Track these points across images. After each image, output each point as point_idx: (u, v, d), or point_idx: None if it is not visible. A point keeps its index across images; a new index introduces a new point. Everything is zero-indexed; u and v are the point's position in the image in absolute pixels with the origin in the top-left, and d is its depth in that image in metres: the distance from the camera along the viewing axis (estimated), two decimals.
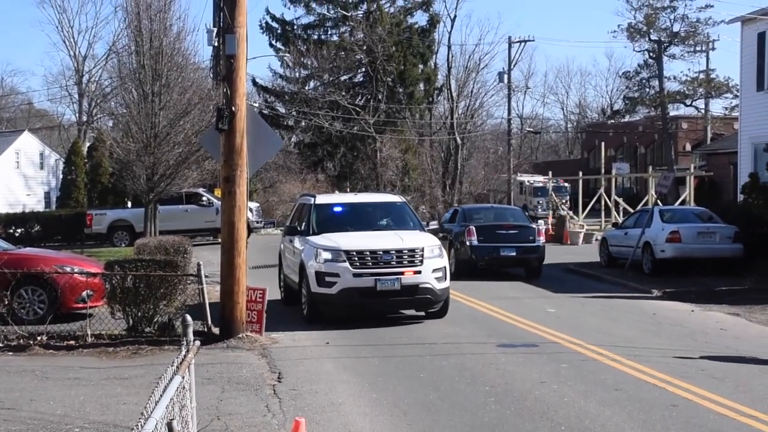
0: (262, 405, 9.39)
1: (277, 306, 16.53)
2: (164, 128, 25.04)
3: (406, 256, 14.32)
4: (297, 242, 15.98)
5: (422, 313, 15.19)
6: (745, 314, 15.93)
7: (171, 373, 5.34)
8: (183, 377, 5.51)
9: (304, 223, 16.26)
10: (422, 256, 14.36)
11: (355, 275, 14.07)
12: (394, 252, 14.29)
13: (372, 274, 14.09)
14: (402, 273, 14.20)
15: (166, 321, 13.36)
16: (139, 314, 13.39)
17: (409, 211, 16.78)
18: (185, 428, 5.68)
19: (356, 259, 14.17)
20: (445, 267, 14.75)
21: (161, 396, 4.79)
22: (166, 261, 14.09)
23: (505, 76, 50.00)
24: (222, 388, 10.09)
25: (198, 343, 6.38)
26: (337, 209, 16.60)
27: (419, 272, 14.25)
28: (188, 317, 6.50)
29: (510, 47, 51.01)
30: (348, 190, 48.59)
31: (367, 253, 14.23)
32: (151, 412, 4.42)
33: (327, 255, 14.28)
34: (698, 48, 54.05)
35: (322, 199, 17.04)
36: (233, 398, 9.68)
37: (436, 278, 14.43)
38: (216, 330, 13.46)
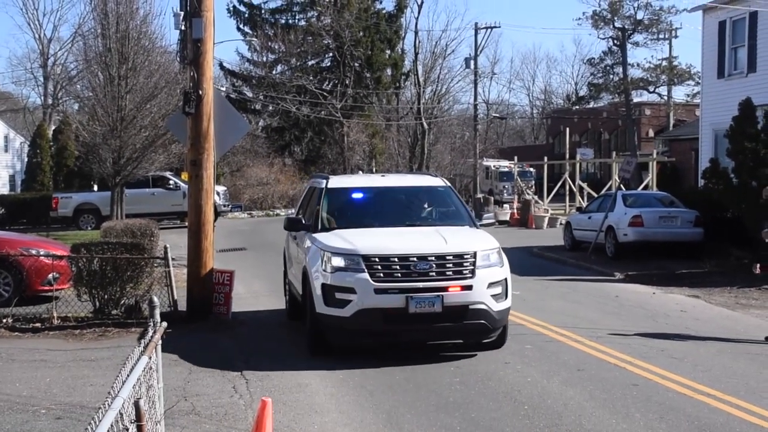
0: (229, 386, 9.47)
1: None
2: (131, 111, 24.87)
3: (450, 264, 10.40)
4: (301, 241, 12.16)
5: None
6: (705, 296, 16.25)
7: (138, 353, 5.40)
8: (150, 357, 5.57)
9: (311, 215, 12.41)
10: (473, 263, 10.47)
11: (378, 291, 10.18)
12: (433, 258, 10.37)
13: (402, 290, 10.18)
14: (445, 288, 10.28)
15: (132, 303, 13.38)
16: (106, 297, 13.38)
17: (455, 199, 12.59)
18: (152, 408, 5.74)
19: (379, 267, 10.27)
20: (506, 279, 10.83)
21: (128, 375, 4.85)
22: (132, 244, 14.07)
23: (472, 62, 50.19)
24: (189, 370, 10.15)
25: (165, 324, 6.44)
26: (357, 196, 12.45)
27: (469, 287, 10.36)
28: (155, 298, 6.58)
29: (476, 33, 51.16)
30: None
31: (395, 259, 10.31)
32: (119, 391, 4.48)
33: (338, 261, 10.46)
34: (661, 36, 54.66)
35: (336, 181, 12.72)
36: (200, 379, 9.74)
37: (492, 296, 10.52)
38: (183, 312, 13.50)
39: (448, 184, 13.00)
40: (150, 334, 5.99)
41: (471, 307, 10.42)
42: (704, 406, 8.56)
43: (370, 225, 11.57)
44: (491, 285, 10.57)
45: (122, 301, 13.47)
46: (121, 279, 13.35)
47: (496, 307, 10.58)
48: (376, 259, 10.34)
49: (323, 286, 10.52)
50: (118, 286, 13.37)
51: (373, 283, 10.23)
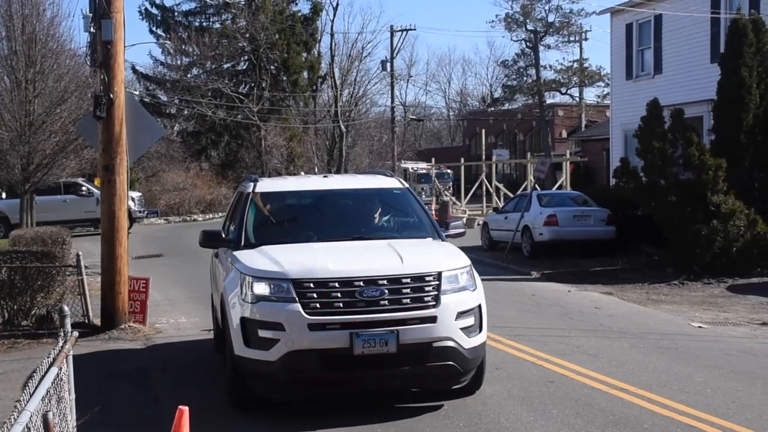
0: (145, 396, 9.31)
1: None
2: (40, 116, 24.19)
3: (408, 290, 8.18)
4: (223, 260, 10.00)
5: None
6: (618, 293, 16.64)
7: (47, 365, 5.26)
8: (60, 368, 5.44)
9: (234, 227, 9.95)
10: (438, 287, 8.25)
11: (313, 327, 7.96)
12: (385, 281, 8.13)
13: (344, 325, 7.97)
14: (401, 321, 8.07)
15: (44, 314, 13.03)
16: (15, 307, 12.99)
17: (415, 204, 10.16)
18: (63, 421, 5.61)
19: (315, 295, 8.04)
20: (480, 307, 8.61)
21: (36, 388, 4.72)
22: (43, 252, 13.72)
23: (388, 65, 50.50)
24: (104, 380, 9.92)
25: (76, 333, 6.31)
26: (291, 202, 10.27)
27: (432, 319, 8.15)
28: (65, 308, 6.45)
29: (392, 36, 51.54)
30: (232, 179, 48.02)
31: (336, 284, 8.08)
32: (26, 405, 4.35)
33: (262, 287, 8.20)
34: (572, 38, 56.17)
35: (265, 184, 10.38)
36: (116, 390, 9.54)
37: (463, 329, 8.32)
38: (97, 321, 13.22)
39: (406, 185, 10.57)
40: (60, 344, 5.85)
41: (435, 344, 8.16)
42: (618, 401, 8.74)
43: (308, 239, 9.29)
44: (461, 315, 8.33)
45: (33, 312, 13.11)
46: (32, 288, 12.99)
47: (468, 343, 8.32)
48: (311, 285, 8.05)
49: (242, 320, 8.24)
50: (29, 296, 13.01)
51: (307, 316, 7.95)
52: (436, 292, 8.23)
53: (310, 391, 8.40)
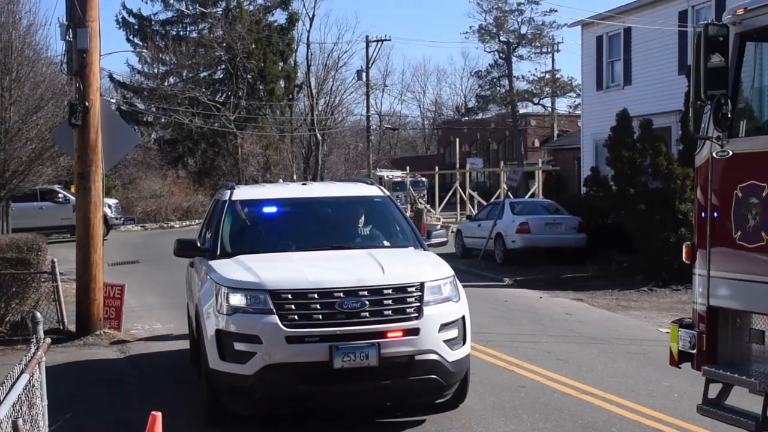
0: (119, 402, 9.34)
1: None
2: (15, 124, 24.09)
3: (389, 301, 7.95)
4: (198, 269, 9.75)
5: None
6: (588, 299, 16.85)
7: (18, 371, 5.29)
8: (32, 375, 5.47)
9: (210, 236, 9.75)
10: (420, 299, 8.02)
11: (291, 339, 7.70)
12: (366, 292, 7.89)
13: (324, 338, 7.71)
14: (382, 334, 7.81)
15: (18, 320, 13.02)
16: None
17: (396, 212, 9.95)
18: (35, 427, 5.63)
19: (293, 306, 7.79)
20: (463, 318, 8.34)
21: (7, 394, 4.75)
22: (18, 259, 13.69)
23: (364, 74, 50.71)
24: (78, 386, 9.95)
25: (48, 340, 6.33)
26: (268, 210, 9.92)
27: (415, 331, 7.90)
28: (38, 314, 6.48)
29: (367, 46, 51.78)
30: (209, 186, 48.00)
31: (315, 295, 7.83)
32: None
33: (238, 298, 7.96)
34: (544, 49, 56.74)
35: (242, 192, 10.14)
36: (90, 396, 9.58)
37: (446, 341, 8.06)
38: (73, 328, 13.24)
39: (387, 193, 10.29)
40: (32, 350, 5.88)
41: (418, 357, 7.88)
42: (587, 405, 8.89)
43: (286, 248, 9.07)
44: (444, 327, 8.05)
45: (7, 318, 13.10)
46: (6, 295, 12.99)
47: (451, 356, 8.03)
48: (289, 296, 7.79)
49: (218, 332, 7.95)
50: (3, 303, 12.99)
51: (285, 328, 7.67)
52: (418, 304, 7.97)
53: (288, 407, 8.08)
